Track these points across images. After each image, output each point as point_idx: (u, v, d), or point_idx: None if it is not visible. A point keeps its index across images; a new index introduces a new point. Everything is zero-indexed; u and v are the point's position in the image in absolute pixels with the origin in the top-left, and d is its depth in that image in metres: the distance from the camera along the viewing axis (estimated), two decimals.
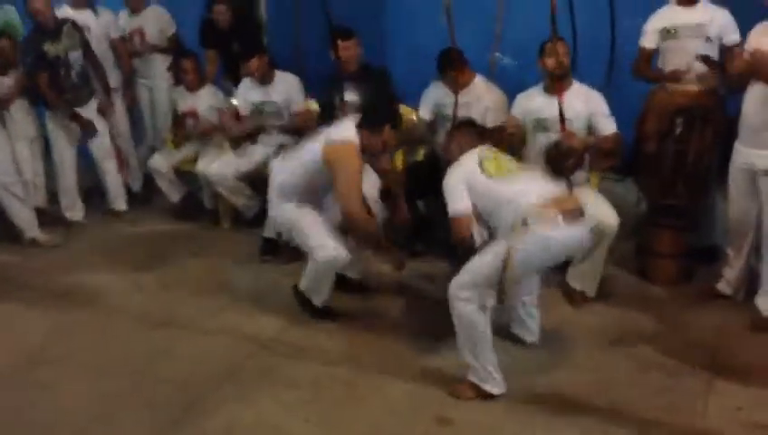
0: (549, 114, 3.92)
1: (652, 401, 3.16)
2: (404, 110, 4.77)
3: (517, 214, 3.05)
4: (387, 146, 3.73)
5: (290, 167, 3.76)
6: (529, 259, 3.06)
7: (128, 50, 5.55)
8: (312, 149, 3.65)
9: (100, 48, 5.31)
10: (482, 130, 3.74)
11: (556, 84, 3.85)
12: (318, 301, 3.81)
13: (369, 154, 3.69)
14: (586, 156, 3.95)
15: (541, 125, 3.98)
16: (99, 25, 5.29)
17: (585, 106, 3.92)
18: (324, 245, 3.63)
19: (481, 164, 3.24)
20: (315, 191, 3.72)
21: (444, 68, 4.43)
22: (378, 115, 3.72)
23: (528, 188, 3.16)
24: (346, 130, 3.62)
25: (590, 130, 3.97)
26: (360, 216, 3.54)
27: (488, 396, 3.14)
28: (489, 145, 3.43)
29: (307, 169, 3.66)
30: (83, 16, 5.20)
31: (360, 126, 3.62)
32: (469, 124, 3.72)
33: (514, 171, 3.27)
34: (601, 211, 3.81)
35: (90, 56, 5.08)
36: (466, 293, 3.06)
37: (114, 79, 5.44)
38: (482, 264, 3.10)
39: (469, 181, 3.20)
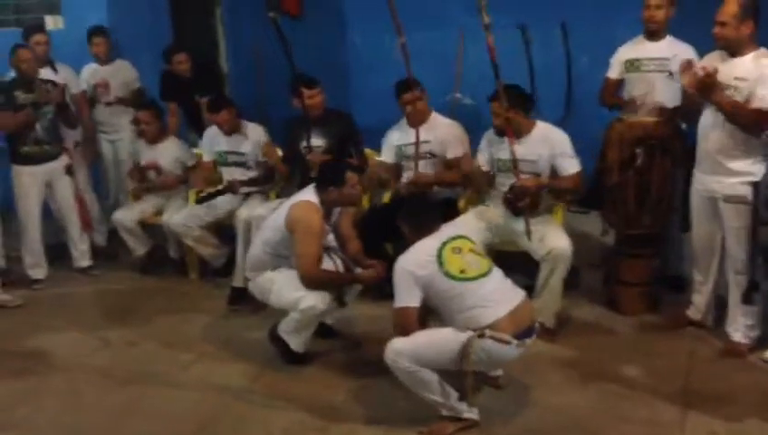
0: (509, 156, 3.93)
1: (629, 432, 3.14)
2: (368, 153, 4.83)
3: (475, 322, 3.00)
4: (358, 189, 3.79)
5: (260, 239, 3.83)
6: (480, 360, 3.03)
7: (95, 100, 5.54)
8: (277, 217, 3.72)
9: None
10: (440, 203, 3.63)
11: (507, 131, 3.87)
12: (296, 345, 3.76)
13: (345, 204, 3.80)
14: (543, 195, 3.96)
15: (505, 165, 4.01)
16: (58, 82, 5.27)
17: (548, 148, 3.93)
18: (305, 295, 3.60)
19: (440, 257, 3.06)
20: (287, 257, 3.73)
21: (401, 91, 4.42)
22: (335, 169, 3.81)
23: (488, 296, 3.06)
24: (305, 194, 3.70)
25: (554, 170, 3.98)
26: (316, 276, 3.59)
27: (466, 425, 3.11)
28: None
29: (274, 238, 3.71)
30: (42, 74, 5.17)
31: (322, 187, 3.67)
32: (423, 201, 3.56)
33: (474, 271, 3.08)
34: (555, 239, 3.86)
35: (64, 114, 5.05)
36: (408, 363, 3.00)
37: (76, 134, 5.40)
38: (434, 350, 3.03)
39: (423, 279, 3.03)
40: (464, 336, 2.98)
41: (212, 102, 4.90)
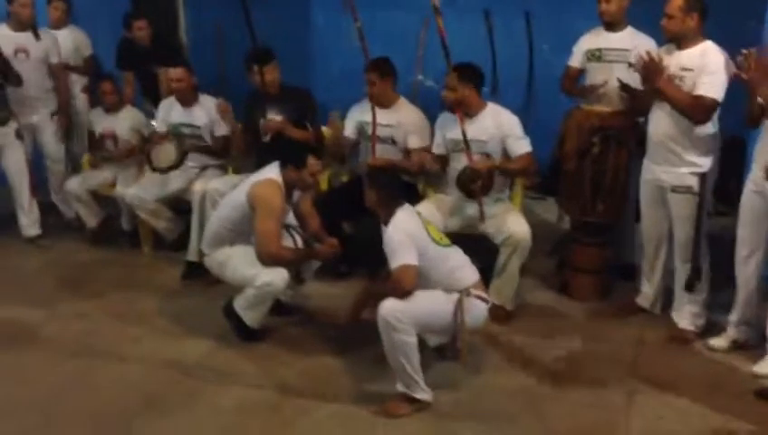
0: (460, 135, 3.94)
1: (576, 416, 3.19)
2: (325, 132, 4.79)
3: (459, 284, 3.23)
4: (315, 175, 3.77)
5: (220, 215, 3.82)
6: (471, 318, 3.21)
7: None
8: (238, 194, 3.70)
9: (37, 73, 5.05)
10: (404, 184, 3.71)
11: (456, 111, 3.92)
12: (251, 321, 3.73)
13: (300, 189, 3.78)
14: (495, 176, 3.95)
15: (458, 146, 4.01)
16: (38, 49, 5.04)
17: (498, 128, 3.95)
18: (262, 271, 3.58)
19: (426, 228, 3.26)
20: (246, 234, 3.71)
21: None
22: (298, 150, 3.81)
23: (463, 261, 3.33)
24: (269, 172, 3.69)
25: (505, 150, 4.00)
26: (273, 254, 3.58)
27: (419, 407, 3.16)
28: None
29: (235, 214, 3.70)
30: (21, 38, 4.99)
31: (283, 166, 3.66)
32: (390, 174, 3.63)
33: (446, 241, 3.35)
34: (515, 225, 3.91)
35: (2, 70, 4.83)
36: (406, 325, 3.06)
37: (52, 104, 5.21)
38: (431, 310, 3.16)
39: (418, 243, 3.16)
40: (455, 296, 3.18)
41: (170, 57, 4.77)
